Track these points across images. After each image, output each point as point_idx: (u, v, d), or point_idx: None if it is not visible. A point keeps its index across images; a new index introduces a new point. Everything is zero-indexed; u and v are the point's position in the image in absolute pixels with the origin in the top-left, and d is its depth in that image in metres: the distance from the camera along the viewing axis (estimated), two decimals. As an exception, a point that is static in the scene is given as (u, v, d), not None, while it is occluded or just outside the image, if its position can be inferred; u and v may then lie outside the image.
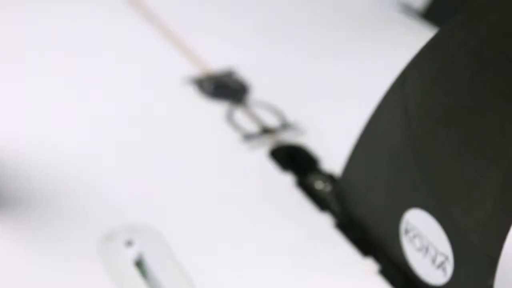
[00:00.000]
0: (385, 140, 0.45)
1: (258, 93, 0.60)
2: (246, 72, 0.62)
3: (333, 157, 0.53)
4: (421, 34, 0.68)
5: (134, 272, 0.43)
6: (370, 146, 0.46)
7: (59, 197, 0.47)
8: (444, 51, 0.39)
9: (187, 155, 0.52)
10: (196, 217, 0.48)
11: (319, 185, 0.51)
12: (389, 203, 0.45)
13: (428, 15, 0.72)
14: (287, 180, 0.51)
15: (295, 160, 0.53)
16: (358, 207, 0.48)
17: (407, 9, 0.73)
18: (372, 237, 0.47)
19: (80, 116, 0.55)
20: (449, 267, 0.41)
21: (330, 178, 0.52)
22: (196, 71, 0.61)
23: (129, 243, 0.44)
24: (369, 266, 0.46)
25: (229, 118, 0.56)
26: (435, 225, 0.42)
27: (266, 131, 0.56)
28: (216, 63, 0.63)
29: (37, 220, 0.45)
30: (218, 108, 0.57)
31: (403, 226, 0.44)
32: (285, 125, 0.57)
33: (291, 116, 0.58)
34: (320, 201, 0.50)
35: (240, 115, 0.57)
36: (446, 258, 0.41)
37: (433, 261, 0.42)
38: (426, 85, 0.41)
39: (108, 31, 0.66)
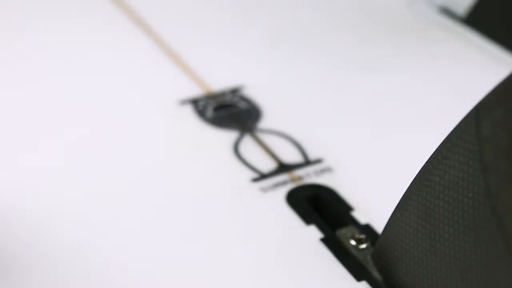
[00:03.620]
0: (450, 197, 0.36)
1: (270, 118, 0.54)
2: (255, 92, 0.56)
3: (370, 203, 0.46)
4: (467, 42, 0.63)
5: None
6: (427, 201, 0.37)
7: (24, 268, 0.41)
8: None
9: (182, 200, 0.47)
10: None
11: (352, 241, 0.43)
12: (455, 281, 0.36)
13: (470, 20, 0.65)
14: (310, 233, 0.44)
15: (320, 206, 0.47)
16: (408, 280, 0.39)
17: (446, 13, 0.67)
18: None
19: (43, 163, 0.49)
20: None
21: (366, 231, 0.44)
22: (194, 90, 0.56)
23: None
24: None
25: (235, 150, 0.51)
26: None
27: (282, 167, 0.49)
28: (218, 80, 0.57)
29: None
30: (221, 137, 0.52)
31: (474, 313, 0.34)
32: (306, 160, 0.50)
33: (313, 149, 0.51)
34: (355, 265, 0.42)
35: (248, 147, 0.51)
36: None
37: None
38: (517, 128, 0.31)
39: (95, 41, 0.62)
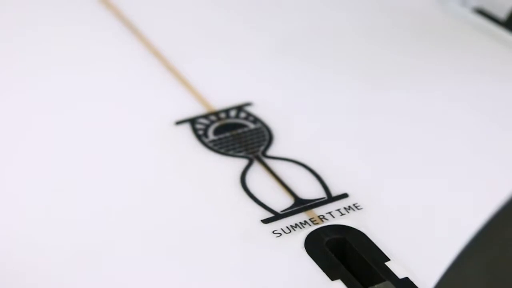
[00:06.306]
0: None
1: (283, 142, 0.50)
2: (264, 110, 0.52)
3: (410, 251, 0.42)
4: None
5: None
6: (496, 262, 0.32)
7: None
8: None
9: (175, 245, 0.43)
10: None
11: (390, 303, 0.38)
12: None
13: (510, 24, 0.62)
14: (335, 290, 0.40)
15: (347, 255, 0.42)
16: None
17: (482, 14, 0.64)
18: None
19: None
20: None
21: (405, 288, 0.39)
22: (193, 107, 0.53)
23: None
24: None
25: (242, 181, 0.47)
26: None
27: (299, 204, 0.45)
28: (221, 96, 0.54)
29: None
30: (224, 165, 0.48)
31: None
32: (329, 196, 0.46)
33: (336, 181, 0.46)
34: (395, 336, 0.37)
35: (257, 177, 0.47)
36: None
37: None
38: None
39: (86, 50, 0.60)
